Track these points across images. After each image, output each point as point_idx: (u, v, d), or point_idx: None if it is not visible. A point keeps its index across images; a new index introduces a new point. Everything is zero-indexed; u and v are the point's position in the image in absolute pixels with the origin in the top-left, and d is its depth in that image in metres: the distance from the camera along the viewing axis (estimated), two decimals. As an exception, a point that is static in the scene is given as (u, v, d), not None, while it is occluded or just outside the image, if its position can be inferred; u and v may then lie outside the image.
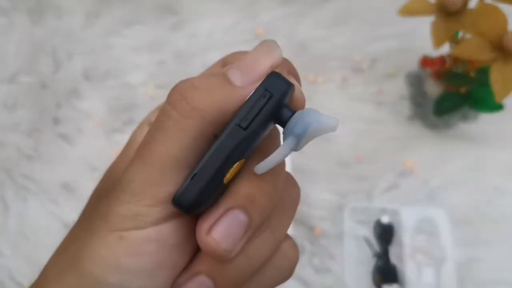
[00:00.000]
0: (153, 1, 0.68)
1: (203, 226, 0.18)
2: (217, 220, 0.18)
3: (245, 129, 0.17)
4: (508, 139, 0.57)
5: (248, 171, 0.18)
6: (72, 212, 0.54)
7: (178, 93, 0.18)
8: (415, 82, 0.59)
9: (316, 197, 0.55)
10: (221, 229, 0.17)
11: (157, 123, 0.18)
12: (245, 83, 0.18)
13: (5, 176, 0.57)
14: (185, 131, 0.17)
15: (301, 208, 0.54)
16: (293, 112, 0.18)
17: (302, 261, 0.52)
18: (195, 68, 0.63)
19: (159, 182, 0.18)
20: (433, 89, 0.55)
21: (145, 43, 0.66)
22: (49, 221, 0.54)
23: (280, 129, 0.19)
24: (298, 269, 0.51)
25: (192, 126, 0.17)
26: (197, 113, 0.17)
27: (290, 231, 0.51)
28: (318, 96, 0.61)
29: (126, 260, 0.17)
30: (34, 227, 0.54)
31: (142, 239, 0.17)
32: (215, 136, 0.18)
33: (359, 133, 0.59)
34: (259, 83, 0.18)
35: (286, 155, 0.18)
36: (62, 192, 0.56)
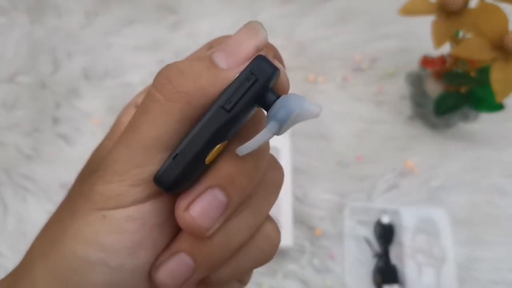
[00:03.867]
0: (153, 0, 0.68)
1: (182, 203, 0.18)
2: (196, 198, 0.18)
3: (228, 111, 0.17)
4: (508, 139, 0.57)
5: (230, 153, 0.19)
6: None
7: (165, 77, 0.18)
8: (415, 82, 0.59)
9: (316, 197, 0.55)
10: (199, 207, 0.18)
11: (143, 106, 0.18)
12: (230, 65, 0.18)
13: (4, 176, 0.57)
14: (169, 114, 0.18)
15: (301, 208, 0.54)
16: (278, 96, 0.18)
17: (302, 261, 0.51)
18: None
19: (142, 163, 0.18)
20: (434, 88, 0.55)
21: (145, 43, 0.65)
22: (48, 221, 0.54)
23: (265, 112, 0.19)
24: (298, 269, 0.51)
25: (177, 110, 0.18)
26: (182, 97, 0.17)
27: (291, 230, 0.51)
28: (318, 96, 0.61)
29: (108, 238, 0.17)
30: (33, 227, 0.54)
31: (124, 217, 0.18)
32: (199, 118, 0.18)
33: (359, 133, 0.59)
34: (244, 65, 0.18)
35: (268, 139, 0.18)
36: (61, 192, 0.56)
